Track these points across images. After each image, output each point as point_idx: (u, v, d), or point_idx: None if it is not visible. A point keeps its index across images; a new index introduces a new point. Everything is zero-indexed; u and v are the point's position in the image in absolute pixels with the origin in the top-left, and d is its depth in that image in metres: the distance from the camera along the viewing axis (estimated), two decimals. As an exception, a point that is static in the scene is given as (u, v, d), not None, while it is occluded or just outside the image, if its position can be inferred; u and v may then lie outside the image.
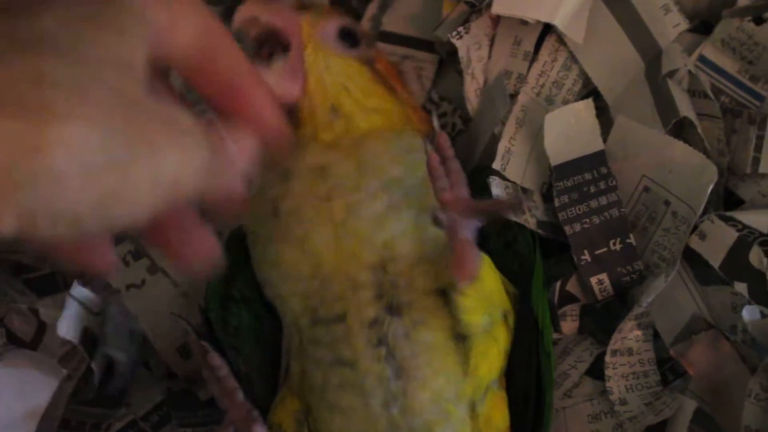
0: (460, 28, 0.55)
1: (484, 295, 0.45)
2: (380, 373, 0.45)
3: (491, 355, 0.46)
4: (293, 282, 0.47)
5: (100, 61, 0.29)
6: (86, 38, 0.29)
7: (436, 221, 0.43)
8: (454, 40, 0.55)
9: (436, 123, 0.47)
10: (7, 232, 0.28)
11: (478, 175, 0.53)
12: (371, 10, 0.61)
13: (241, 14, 0.46)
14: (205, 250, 0.36)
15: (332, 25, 0.47)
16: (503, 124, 0.55)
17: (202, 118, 0.32)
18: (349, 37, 0.48)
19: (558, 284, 0.52)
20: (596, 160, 0.53)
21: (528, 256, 0.50)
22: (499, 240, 0.51)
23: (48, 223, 0.28)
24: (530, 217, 0.52)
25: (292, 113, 0.48)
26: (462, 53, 0.55)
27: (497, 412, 0.47)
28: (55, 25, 0.29)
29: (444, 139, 0.46)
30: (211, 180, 0.32)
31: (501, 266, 0.50)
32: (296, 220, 0.47)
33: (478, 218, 0.43)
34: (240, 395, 0.46)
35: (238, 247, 0.50)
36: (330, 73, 0.48)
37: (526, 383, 0.48)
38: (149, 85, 0.31)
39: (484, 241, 0.51)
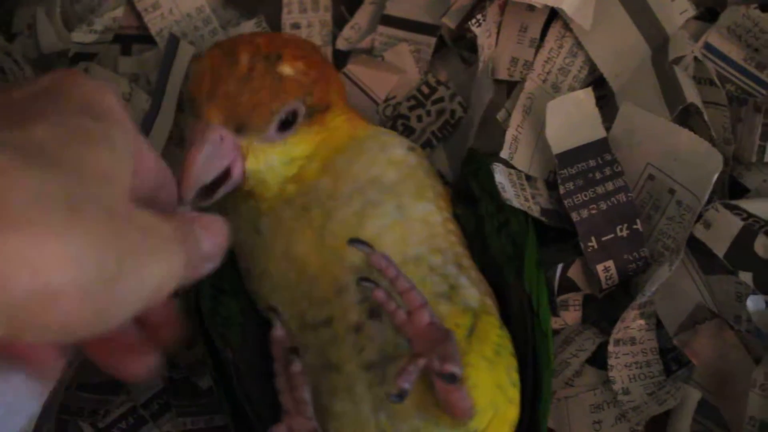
0: (479, 16, 0.54)
1: (486, 403, 0.44)
2: (367, 379, 0.45)
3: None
4: (281, 290, 0.48)
5: (92, 177, 0.30)
6: (78, 153, 0.30)
7: (399, 394, 0.40)
8: (474, 28, 0.54)
9: (363, 248, 0.44)
10: None
11: (473, 158, 0.53)
12: (374, -6, 0.61)
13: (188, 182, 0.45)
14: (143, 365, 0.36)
15: (271, 129, 0.46)
16: (509, 112, 0.54)
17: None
18: (287, 122, 0.47)
19: (560, 268, 0.52)
20: (599, 147, 0.52)
21: (521, 236, 0.50)
22: (492, 222, 0.51)
23: (36, 333, 0.28)
24: (534, 205, 0.52)
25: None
26: (481, 41, 0.54)
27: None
28: (49, 138, 0.30)
29: (380, 260, 0.44)
30: (185, 278, 0.33)
31: (495, 249, 0.50)
32: (277, 234, 0.48)
33: (446, 345, 0.41)
34: (310, 410, 0.45)
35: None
36: (271, 168, 0.47)
37: (522, 365, 0.47)
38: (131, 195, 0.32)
39: (479, 224, 0.51)
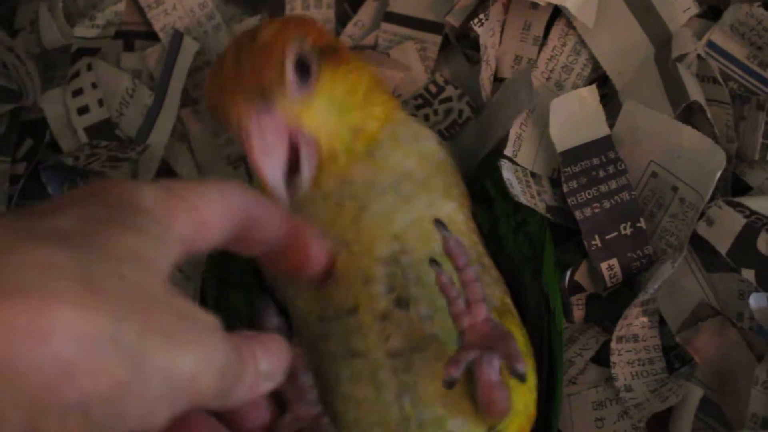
0: (482, 15, 0.54)
1: (522, 406, 0.45)
2: (392, 366, 0.44)
3: None
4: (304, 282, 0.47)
5: (116, 256, 0.29)
6: (101, 235, 0.30)
7: (450, 381, 0.40)
8: (476, 27, 0.54)
9: (443, 230, 0.42)
10: (14, 430, 0.27)
11: (489, 159, 0.53)
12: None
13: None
14: None
15: (291, 78, 0.45)
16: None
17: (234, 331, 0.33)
18: (304, 71, 0.46)
19: (569, 273, 0.52)
20: (603, 145, 0.52)
21: (539, 237, 0.50)
22: (509, 222, 0.51)
23: (57, 418, 0.27)
24: (539, 202, 0.52)
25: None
26: (483, 40, 0.54)
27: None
28: (69, 224, 0.30)
29: (456, 246, 0.42)
30: (233, 383, 0.32)
31: (511, 249, 0.50)
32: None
33: (498, 345, 0.41)
34: (312, 395, 0.44)
35: None
36: (324, 116, 0.46)
37: (538, 362, 0.48)
38: (170, 282, 0.31)
39: (493, 224, 0.51)
